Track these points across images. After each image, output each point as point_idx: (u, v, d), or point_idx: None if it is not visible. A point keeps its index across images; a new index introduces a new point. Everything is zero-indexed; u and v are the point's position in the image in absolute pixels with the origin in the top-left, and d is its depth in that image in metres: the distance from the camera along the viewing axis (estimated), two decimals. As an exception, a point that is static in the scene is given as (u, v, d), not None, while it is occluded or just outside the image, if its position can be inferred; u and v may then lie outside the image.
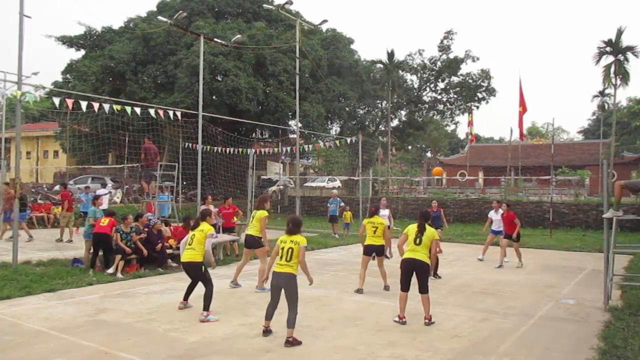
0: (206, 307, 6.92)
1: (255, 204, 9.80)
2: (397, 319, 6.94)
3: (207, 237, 7.26)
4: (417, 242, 6.93)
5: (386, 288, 9.00)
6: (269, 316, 6.18)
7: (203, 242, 7.20)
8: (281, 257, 6.05)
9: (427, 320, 6.84)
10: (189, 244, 7.23)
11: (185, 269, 7.37)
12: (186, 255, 7.21)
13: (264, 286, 8.83)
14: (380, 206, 13.38)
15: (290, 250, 6.02)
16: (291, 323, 5.86)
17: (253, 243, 8.99)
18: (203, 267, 7.18)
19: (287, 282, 5.95)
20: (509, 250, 12.35)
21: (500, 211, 12.59)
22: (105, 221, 10.29)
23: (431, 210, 13.90)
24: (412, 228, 7.12)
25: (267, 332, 6.18)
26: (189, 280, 7.48)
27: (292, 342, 5.81)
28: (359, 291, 8.95)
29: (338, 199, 18.92)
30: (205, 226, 7.33)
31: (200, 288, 7.17)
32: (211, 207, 13.63)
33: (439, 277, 10.30)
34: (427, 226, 7.07)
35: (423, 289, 6.95)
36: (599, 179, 31.80)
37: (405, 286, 6.98)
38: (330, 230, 18.65)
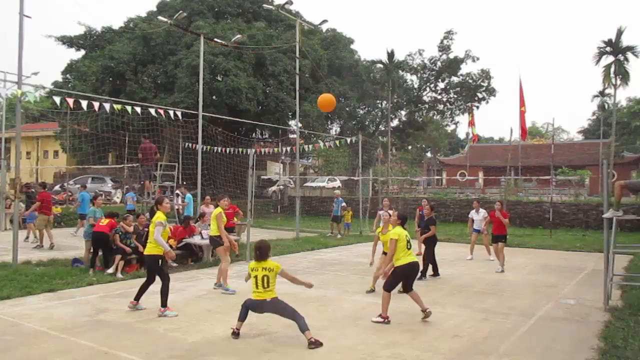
0: (164, 303, 6.87)
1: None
2: (380, 319, 6.81)
3: (156, 226, 7.00)
4: (409, 246, 6.97)
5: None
6: (242, 317, 6.02)
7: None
8: (257, 286, 5.88)
9: (427, 312, 6.86)
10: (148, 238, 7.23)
11: (145, 263, 7.34)
12: (146, 249, 7.26)
13: (227, 286, 8.76)
14: (382, 207, 13.43)
15: (265, 278, 5.86)
16: (304, 327, 5.79)
17: (214, 243, 9.00)
18: (160, 260, 7.10)
19: (274, 307, 5.89)
20: (506, 251, 12.34)
21: (482, 211, 12.95)
22: (105, 221, 10.29)
23: (420, 208, 13.92)
24: (402, 234, 6.99)
25: (236, 334, 5.99)
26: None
27: (315, 343, 5.75)
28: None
29: (340, 198, 18.90)
30: (157, 215, 7.15)
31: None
32: (211, 207, 13.66)
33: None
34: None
35: (411, 288, 6.99)
36: (599, 179, 31.81)
37: (393, 287, 6.94)
38: (328, 230, 18.69)
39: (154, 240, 7.05)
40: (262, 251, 5.99)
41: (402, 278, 6.99)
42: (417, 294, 6.98)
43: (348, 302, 8.22)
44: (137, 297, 7.32)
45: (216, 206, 9.16)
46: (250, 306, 5.99)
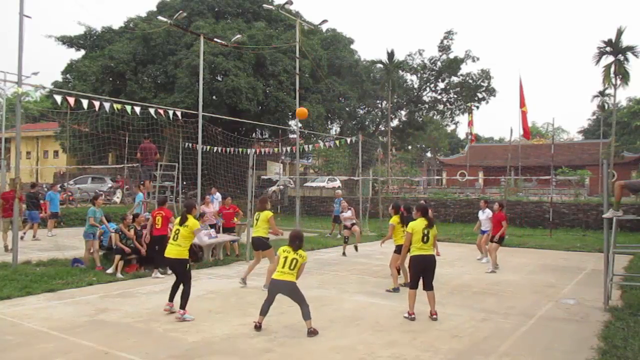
0: (183, 306, 6.88)
1: (256, 206, 9.81)
2: (406, 315, 7.04)
3: (195, 233, 7.16)
4: (425, 240, 6.95)
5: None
6: (264, 312, 6.35)
7: (189, 238, 7.14)
8: (283, 265, 6.24)
9: (434, 316, 7.02)
10: (174, 239, 7.14)
11: (170, 266, 7.33)
12: (171, 251, 7.11)
13: None
14: (341, 209, 13.47)
15: (294, 260, 6.25)
16: (307, 315, 6.19)
17: (261, 245, 9.01)
18: (188, 264, 7.15)
19: (290, 290, 6.24)
20: (505, 251, 12.31)
21: (487, 211, 12.24)
22: (159, 222, 9.72)
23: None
24: (418, 226, 6.99)
25: (258, 327, 6.32)
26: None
27: (313, 332, 6.16)
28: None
29: (341, 199, 18.86)
30: (191, 221, 7.21)
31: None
32: (212, 207, 13.67)
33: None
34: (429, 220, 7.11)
35: (431, 286, 7.05)
36: (599, 179, 31.81)
37: (415, 283, 7.05)
38: (327, 230, 18.66)
39: (185, 245, 7.10)
40: (301, 240, 6.43)
41: (417, 271, 7.02)
42: (433, 296, 7.05)
43: (348, 302, 8.22)
44: (171, 298, 7.24)
45: (261, 209, 9.18)
46: (270, 288, 6.41)
